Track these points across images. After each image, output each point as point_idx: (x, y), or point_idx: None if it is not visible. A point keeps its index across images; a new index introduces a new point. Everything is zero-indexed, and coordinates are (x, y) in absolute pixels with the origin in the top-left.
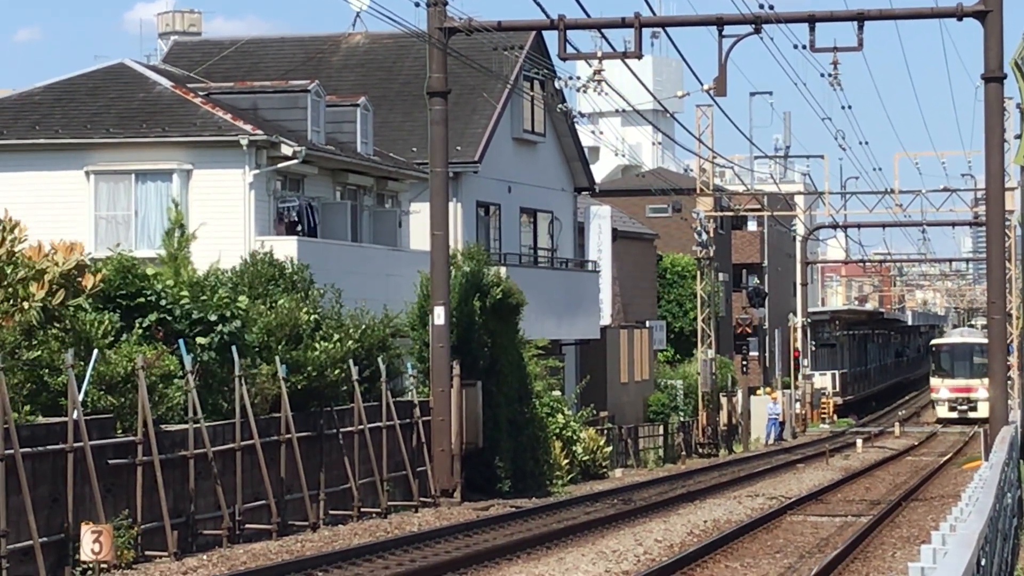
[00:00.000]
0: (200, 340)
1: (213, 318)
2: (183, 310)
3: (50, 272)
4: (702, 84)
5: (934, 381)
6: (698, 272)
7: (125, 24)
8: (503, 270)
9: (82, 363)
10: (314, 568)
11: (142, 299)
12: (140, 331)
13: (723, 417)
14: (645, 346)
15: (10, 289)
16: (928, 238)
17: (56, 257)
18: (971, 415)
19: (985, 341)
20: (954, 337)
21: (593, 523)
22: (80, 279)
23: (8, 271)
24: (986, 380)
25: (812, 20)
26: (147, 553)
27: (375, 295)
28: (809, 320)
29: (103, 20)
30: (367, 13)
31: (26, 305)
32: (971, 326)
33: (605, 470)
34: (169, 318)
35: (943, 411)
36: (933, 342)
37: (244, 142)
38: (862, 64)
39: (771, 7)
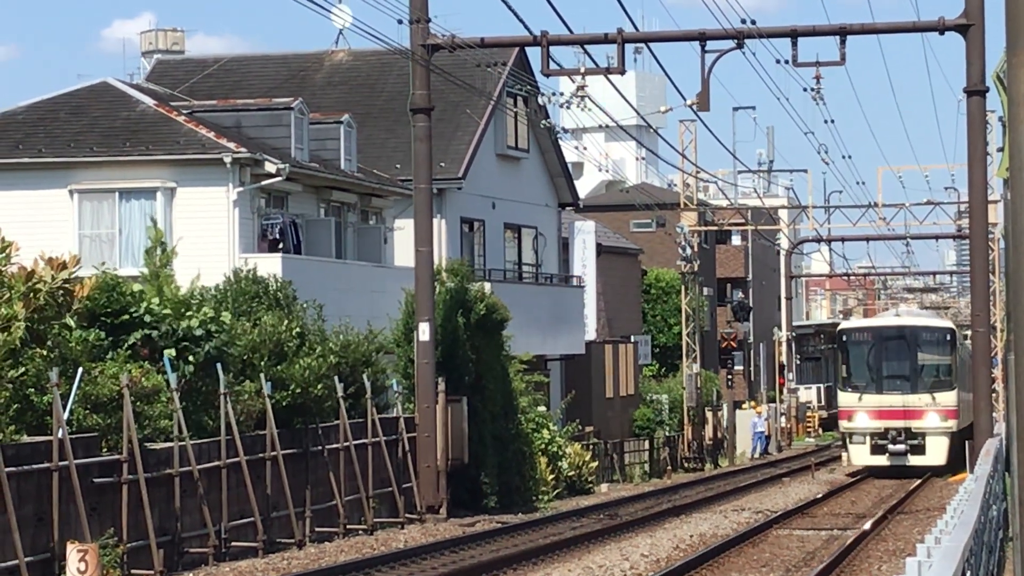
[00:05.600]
0: (185, 357)
1: (198, 335)
2: (168, 327)
3: (40, 294)
4: (685, 99)
5: (844, 398)
6: (682, 287)
7: (103, 41)
8: (487, 286)
9: (67, 382)
10: None
11: (127, 317)
12: (126, 351)
13: (708, 431)
14: (630, 361)
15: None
16: (912, 251)
17: (43, 272)
18: (913, 460)
19: (937, 324)
20: (883, 318)
21: (579, 538)
22: (73, 293)
23: None
24: (941, 395)
25: (794, 35)
26: (133, 572)
27: (359, 311)
28: (794, 334)
29: (80, 37)
30: (350, 30)
31: (12, 327)
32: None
33: (591, 485)
34: (154, 335)
35: (861, 454)
36: (842, 326)
37: (228, 160)
38: (845, 78)
39: (753, 22)
